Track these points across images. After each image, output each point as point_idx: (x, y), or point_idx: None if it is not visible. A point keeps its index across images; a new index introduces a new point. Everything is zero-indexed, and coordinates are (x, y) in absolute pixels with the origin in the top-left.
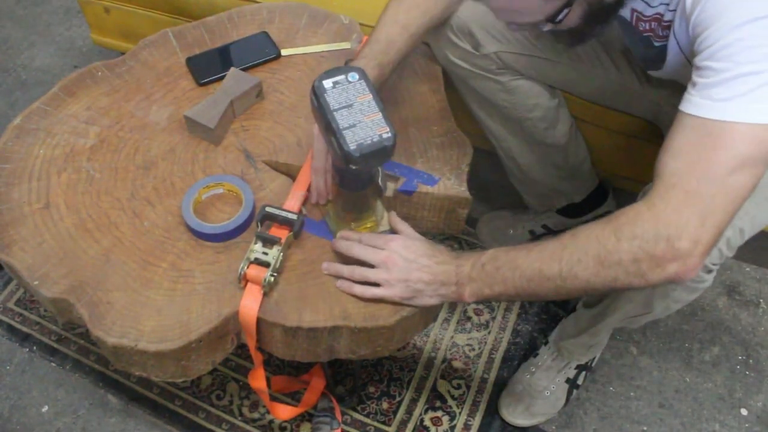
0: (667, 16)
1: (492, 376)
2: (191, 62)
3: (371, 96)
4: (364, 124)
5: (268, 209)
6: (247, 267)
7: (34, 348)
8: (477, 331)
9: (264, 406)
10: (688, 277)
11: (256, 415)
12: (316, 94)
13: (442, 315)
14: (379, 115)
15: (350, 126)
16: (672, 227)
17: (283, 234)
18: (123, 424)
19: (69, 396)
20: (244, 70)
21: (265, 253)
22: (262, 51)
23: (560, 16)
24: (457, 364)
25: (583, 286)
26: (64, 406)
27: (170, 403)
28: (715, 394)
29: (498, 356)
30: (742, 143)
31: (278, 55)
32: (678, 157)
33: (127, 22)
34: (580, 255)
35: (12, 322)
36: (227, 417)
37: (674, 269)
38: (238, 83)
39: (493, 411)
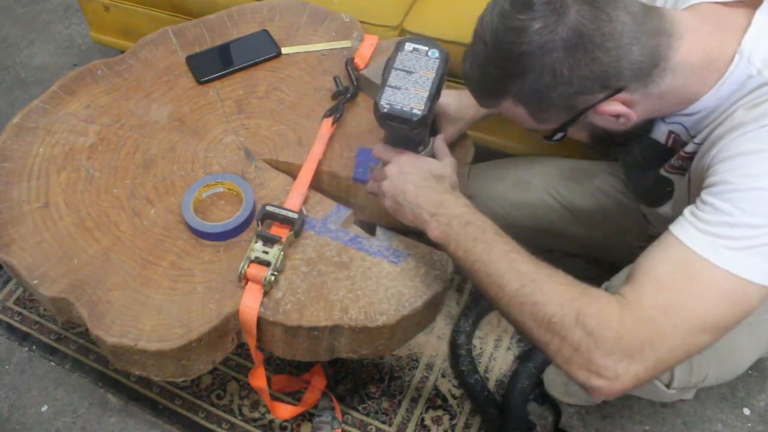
0: (689, 148)
1: (494, 375)
2: (191, 60)
3: (433, 75)
4: (407, 92)
5: (268, 208)
6: (248, 266)
7: (34, 347)
8: (479, 329)
9: (264, 406)
10: (600, 396)
11: (256, 415)
12: (396, 49)
13: (444, 313)
14: (426, 94)
15: (395, 87)
16: (626, 353)
17: (283, 233)
18: (123, 423)
19: (68, 395)
20: (244, 68)
21: (266, 252)
22: (262, 49)
23: (555, 137)
24: None
25: (518, 321)
26: (63, 405)
27: (170, 402)
28: (717, 393)
29: (500, 354)
30: (724, 299)
31: (279, 54)
32: (662, 292)
33: (127, 20)
34: (539, 300)
35: (11, 321)
36: (227, 416)
37: (598, 384)
38: None
39: None
